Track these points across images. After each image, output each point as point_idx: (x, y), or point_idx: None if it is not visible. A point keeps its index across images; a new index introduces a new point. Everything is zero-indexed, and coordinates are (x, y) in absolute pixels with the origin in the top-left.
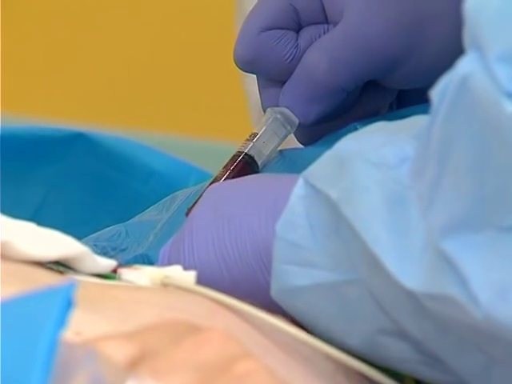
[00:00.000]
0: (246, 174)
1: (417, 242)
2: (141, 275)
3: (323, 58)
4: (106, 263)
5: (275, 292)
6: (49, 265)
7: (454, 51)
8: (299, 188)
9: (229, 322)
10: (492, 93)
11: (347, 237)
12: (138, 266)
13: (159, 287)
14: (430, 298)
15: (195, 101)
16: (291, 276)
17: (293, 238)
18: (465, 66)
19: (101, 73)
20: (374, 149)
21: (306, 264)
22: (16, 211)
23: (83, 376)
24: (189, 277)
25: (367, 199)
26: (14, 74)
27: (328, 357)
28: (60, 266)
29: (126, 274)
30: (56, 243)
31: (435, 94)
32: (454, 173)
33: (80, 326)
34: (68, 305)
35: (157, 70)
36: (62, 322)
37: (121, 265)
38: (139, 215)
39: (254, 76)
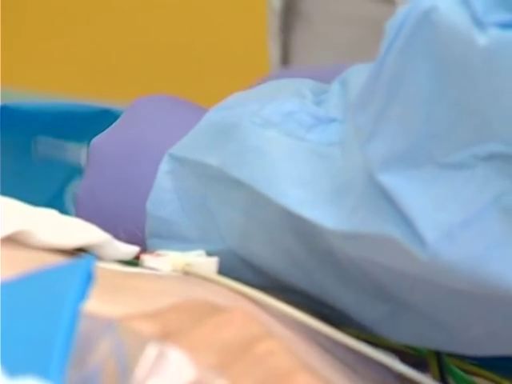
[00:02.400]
0: None
1: (325, 187)
2: (163, 262)
3: None
4: (127, 250)
5: None
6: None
7: None
8: (165, 164)
9: (250, 311)
10: (463, 27)
11: (214, 209)
12: (160, 253)
13: (181, 275)
14: (355, 238)
15: (215, 80)
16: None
17: (163, 214)
18: None
19: (127, 50)
20: (253, 113)
21: (178, 238)
22: (43, 188)
23: (105, 345)
24: (211, 264)
25: (262, 158)
26: (35, 50)
27: (349, 349)
28: (82, 252)
29: (149, 260)
30: (77, 231)
31: (391, 26)
32: (403, 106)
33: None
34: (88, 277)
35: (183, 50)
36: (82, 294)
37: (144, 251)
38: None
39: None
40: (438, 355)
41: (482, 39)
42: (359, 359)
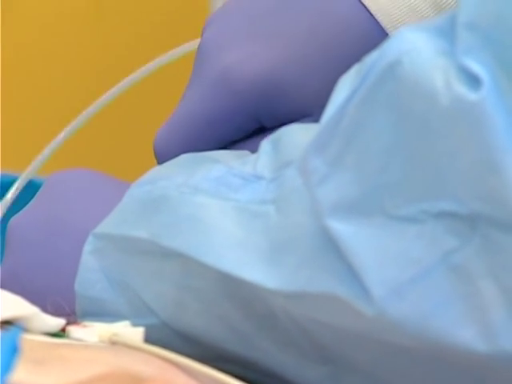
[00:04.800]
0: None
1: (263, 246)
2: (89, 333)
3: None
4: (54, 322)
5: None
6: None
7: None
8: (88, 244)
9: (178, 380)
10: (426, 84)
11: (137, 285)
12: (86, 324)
13: (108, 345)
14: (298, 298)
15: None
16: None
17: (92, 293)
18: (394, 49)
19: (48, 121)
20: (180, 185)
21: (111, 315)
22: None
23: None
24: (137, 334)
25: (195, 225)
26: None
27: None
28: (9, 324)
29: (75, 331)
30: (4, 303)
31: (358, 71)
32: (359, 154)
33: None
34: (13, 350)
35: (108, 122)
36: (8, 366)
37: (70, 322)
38: None
39: None
40: None
41: (445, 99)
42: None
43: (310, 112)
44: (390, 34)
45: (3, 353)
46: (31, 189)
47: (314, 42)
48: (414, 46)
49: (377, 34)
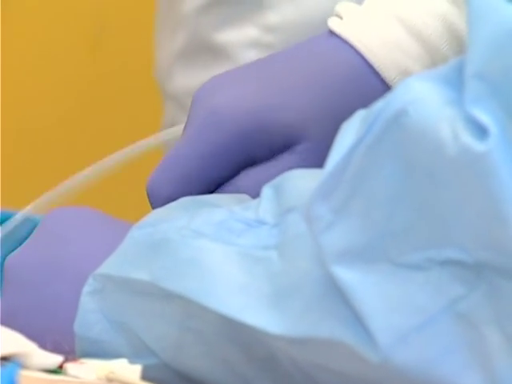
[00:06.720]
0: None
1: (266, 291)
2: (86, 370)
3: None
4: (52, 359)
5: None
6: None
7: None
8: (88, 285)
9: None
10: (432, 133)
11: (137, 326)
12: (83, 361)
13: (105, 382)
14: (303, 343)
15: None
16: None
17: (92, 334)
18: (400, 98)
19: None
20: (181, 228)
21: (111, 355)
22: None
23: None
24: (134, 372)
25: (196, 268)
26: None
27: None
28: (6, 361)
29: (72, 368)
30: (2, 340)
31: (364, 119)
32: (365, 202)
33: None
34: None
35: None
36: None
37: (67, 359)
38: None
39: None
40: None
41: (451, 150)
42: None
43: (294, 142)
44: (378, 71)
45: None
46: (29, 226)
47: (302, 81)
48: (419, 96)
49: (364, 73)
